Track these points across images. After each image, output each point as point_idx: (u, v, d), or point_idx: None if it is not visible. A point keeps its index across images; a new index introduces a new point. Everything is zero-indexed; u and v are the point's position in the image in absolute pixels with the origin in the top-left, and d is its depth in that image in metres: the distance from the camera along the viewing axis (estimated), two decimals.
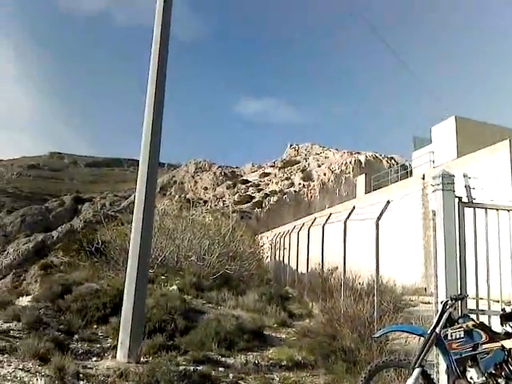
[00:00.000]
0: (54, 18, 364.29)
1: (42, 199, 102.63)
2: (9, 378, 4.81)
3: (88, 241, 15.04)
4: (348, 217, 11.47)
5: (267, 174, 62.72)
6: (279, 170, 62.60)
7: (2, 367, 5.18)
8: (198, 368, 6.50)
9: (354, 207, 12.10)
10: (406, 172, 34.08)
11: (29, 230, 73.58)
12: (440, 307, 4.62)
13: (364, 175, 38.07)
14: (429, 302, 9.95)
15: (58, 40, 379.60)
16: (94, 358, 7.13)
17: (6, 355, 5.86)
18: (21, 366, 5.37)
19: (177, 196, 58.90)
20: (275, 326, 10.65)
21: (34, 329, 7.40)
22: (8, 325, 7.51)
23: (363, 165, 54.68)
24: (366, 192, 33.39)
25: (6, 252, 54.58)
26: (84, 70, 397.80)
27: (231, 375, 6.68)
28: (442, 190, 5.28)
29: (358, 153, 59.01)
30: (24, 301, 9.69)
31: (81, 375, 5.66)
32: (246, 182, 61.15)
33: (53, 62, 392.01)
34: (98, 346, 7.83)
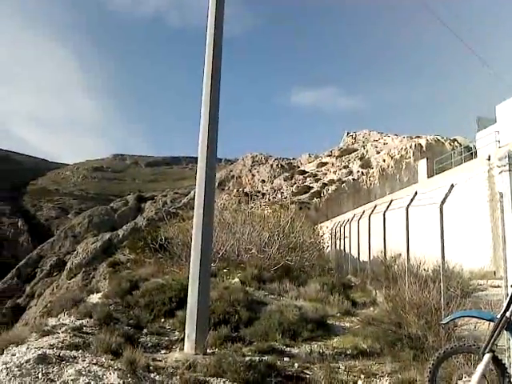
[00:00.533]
0: (112, 25, 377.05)
1: (107, 200, 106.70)
2: (83, 372, 5.04)
3: (152, 238, 15.50)
4: (410, 203, 11.17)
5: (324, 164, 62.11)
6: (336, 158, 61.83)
7: (77, 362, 5.43)
8: (264, 358, 6.56)
9: (415, 192, 11.76)
10: (470, 154, 32.74)
11: (96, 229, 76.79)
12: (510, 290, 4.45)
13: (425, 159, 36.85)
14: (498, 286, 9.54)
15: (117, 47, 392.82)
16: (163, 351, 7.37)
17: (80, 351, 6.14)
18: (94, 361, 5.60)
19: (235, 190, 59.50)
20: (338, 315, 10.59)
21: (105, 324, 7.73)
22: (81, 321, 7.88)
23: (424, 149, 52.98)
24: (429, 176, 32.35)
25: (75, 252, 57.19)
26: (142, 73, 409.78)
27: (296, 365, 6.71)
28: (509, 170, 5.06)
29: (419, 137, 57.22)
30: (95, 298, 10.14)
31: (151, 368, 5.86)
32: (303, 172, 60.87)
33: (113, 68, 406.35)
34: (166, 338, 8.07)
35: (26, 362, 4.90)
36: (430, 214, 10.71)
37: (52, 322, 8.74)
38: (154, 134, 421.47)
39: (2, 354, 6.03)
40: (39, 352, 5.27)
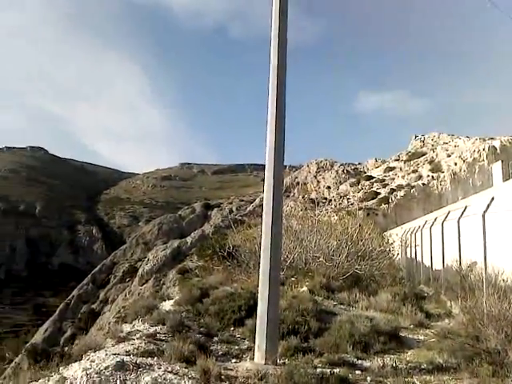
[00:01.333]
0: (176, 39, 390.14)
1: (175, 207, 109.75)
2: (160, 380, 5.16)
3: (220, 246, 15.71)
4: (487, 209, 10.65)
5: (392, 169, 60.55)
6: (405, 163, 60.11)
7: (153, 370, 5.56)
8: (335, 371, 6.44)
9: (492, 198, 11.20)
10: None
11: (165, 237, 78.99)
12: None
13: (500, 162, 35.05)
14: None
15: (182, 60, 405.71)
16: (234, 360, 7.40)
17: (155, 358, 6.29)
18: (169, 369, 5.71)
19: (300, 197, 59.28)
20: (411, 327, 10.22)
21: (177, 332, 7.88)
22: (154, 328, 8.09)
23: (498, 151, 50.46)
24: (504, 180, 30.71)
25: (146, 258, 58.98)
26: (207, 84, 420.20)
27: (369, 378, 6.52)
28: None
29: (492, 138, 54.52)
30: (167, 305, 10.38)
31: (223, 377, 5.89)
32: (370, 177, 59.62)
33: (180, 81, 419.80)
34: (236, 347, 8.11)
35: (105, 369, 5.07)
36: (509, 220, 10.17)
37: (127, 328, 9.03)
38: (220, 142, 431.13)
39: (82, 359, 6.29)
40: (117, 359, 5.45)
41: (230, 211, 67.21)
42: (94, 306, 61.19)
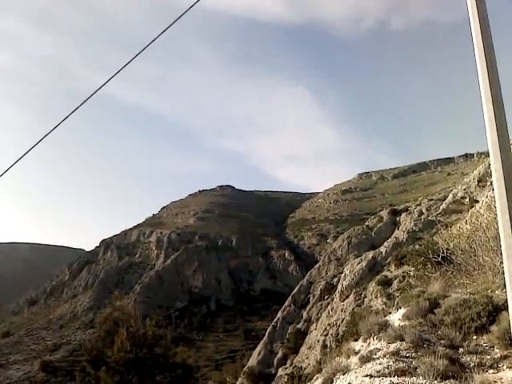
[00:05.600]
0: (337, 49, 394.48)
1: (361, 219, 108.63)
2: None
3: (432, 251, 14.80)
4: None
5: None
6: None
7: None
8: None
9: None
10: None
11: (356, 250, 78.33)
12: None
13: None
14: None
15: (345, 71, 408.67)
16: (491, 371, 6.72)
17: (407, 376, 5.98)
18: None
19: None
20: None
21: (419, 347, 7.45)
22: (394, 345, 7.76)
23: None
24: None
25: (343, 274, 58.92)
26: (376, 89, 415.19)
27: None
28: None
29: None
30: (394, 319, 9.97)
31: None
32: None
33: (345, 94, 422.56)
34: (488, 357, 7.37)
35: None
36: None
37: (358, 347, 8.85)
38: (397, 144, 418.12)
39: (332, 382, 6.26)
40: (387, 381, 5.27)
41: (420, 213, 63.93)
42: (299, 326, 62.79)
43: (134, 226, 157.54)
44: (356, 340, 10.10)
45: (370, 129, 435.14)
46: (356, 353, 8.21)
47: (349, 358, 7.97)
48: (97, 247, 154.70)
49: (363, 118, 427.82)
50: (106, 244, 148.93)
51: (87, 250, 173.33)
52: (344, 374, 6.30)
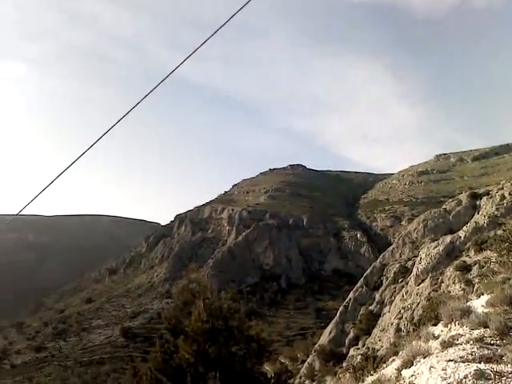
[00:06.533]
0: (415, 30, 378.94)
1: (438, 202, 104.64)
2: None
3: None
4: None
5: None
6: None
7: None
8: None
9: None
10: None
11: (432, 233, 75.64)
12: None
13: None
14: None
15: (425, 48, 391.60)
16: None
17: (493, 363, 5.77)
18: None
19: None
20: None
21: (504, 334, 7.17)
22: (478, 332, 7.51)
23: None
24: None
25: (418, 257, 57.30)
26: (457, 67, 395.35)
27: None
28: None
29: None
30: (477, 306, 9.62)
31: None
32: None
33: (427, 72, 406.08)
34: None
35: (465, 378, 4.81)
36: None
37: (437, 331, 8.65)
38: (478, 124, 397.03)
39: (412, 365, 6.17)
40: (473, 367, 5.13)
41: (502, 197, 60.62)
42: (371, 308, 61.99)
43: (207, 203, 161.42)
44: (435, 325, 9.89)
45: (449, 108, 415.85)
46: (436, 337, 8.04)
47: (428, 342, 7.81)
48: (171, 222, 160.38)
49: (443, 97, 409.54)
50: (180, 219, 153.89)
51: (163, 224, 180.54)
52: (425, 358, 6.18)
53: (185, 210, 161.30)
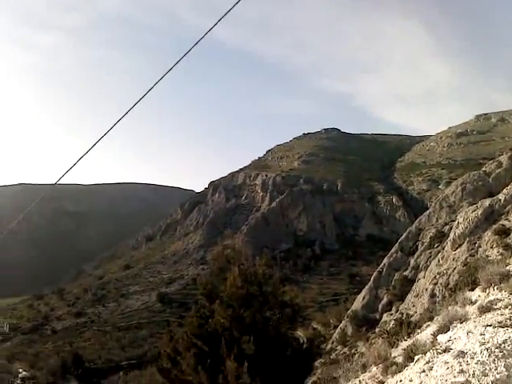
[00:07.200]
0: None
1: (477, 164, 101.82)
2: None
3: None
4: None
5: None
6: None
7: None
8: None
9: None
10: None
11: (471, 197, 73.83)
12: None
13: None
14: None
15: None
16: None
17: None
18: None
19: None
20: None
21: None
22: None
23: None
24: None
25: (456, 222, 56.26)
26: (491, 20, 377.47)
27: None
28: None
29: None
30: None
31: None
32: None
33: (463, 28, 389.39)
34: None
35: (504, 343, 4.68)
36: None
37: (474, 296, 8.47)
38: None
39: (448, 330, 6.06)
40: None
41: None
42: (406, 273, 61.57)
43: (241, 169, 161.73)
44: (472, 290, 9.70)
45: (489, 65, 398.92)
46: (473, 302, 7.88)
47: (465, 307, 7.66)
48: (206, 189, 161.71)
49: (482, 52, 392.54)
50: (214, 186, 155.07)
51: (197, 191, 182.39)
52: (462, 323, 6.05)
53: (219, 177, 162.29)
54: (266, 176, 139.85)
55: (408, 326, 11.30)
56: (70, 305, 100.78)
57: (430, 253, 62.04)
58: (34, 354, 74.03)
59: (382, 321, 51.31)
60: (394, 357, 6.65)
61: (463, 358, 4.47)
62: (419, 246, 67.42)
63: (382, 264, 69.08)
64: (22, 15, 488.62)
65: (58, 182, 9.01)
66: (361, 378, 7.06)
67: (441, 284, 43.87)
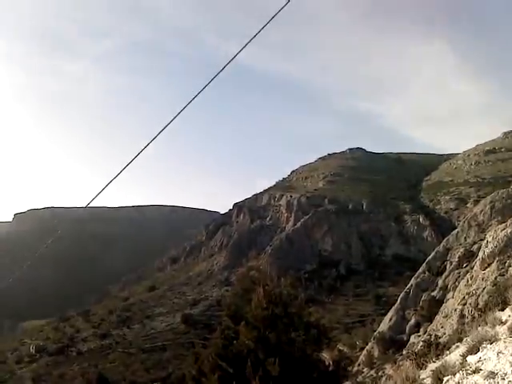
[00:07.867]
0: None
1: (506, 182, 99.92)
2: None
3: None
4: None
5: None
6: None
7: None
8: None
9: None
10: None
11: (500, 215, 72.23)
12: None
13: None
14: None
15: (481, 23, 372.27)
16: None
17: None
18: None
19: None
20: None
21: None
22: None
23: None
24: None
25: (485, 241, 55.12)
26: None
27: None
28: None
29: None
30: None
31: None
32: None
33: (485, 47, 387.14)
34: None
35: None
36: None
37: (504, 316, 8.29)
38: None
39: (478, 351, 5.92)
40: None
41: None
42: (434, 294, 60.29)
43: (265, 190, 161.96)
44: (502, 310, 9.48)
45: None
46: (503, 322, 7.69)
47: (494, 327, 7.48)
48: (230, 210, 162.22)
49: (508, 70, 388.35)
50: (238, 207, 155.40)
51: (222, 212, 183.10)
52: (492, 344, 5.90)
53: (243, 198, 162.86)
54: (291, 197, 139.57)
55: (436, 348, 11.06)
56: (96, 326, 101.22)
57: (459, 273, 60.74)
58: (59, 375, 74.44)
59: (410, 342, 50.15)
60: (423, 379, 6.51)
61: (493, 378, 4.36)
62: (447, 265, 66.06)
63: (409, 284, 67.82)
64: (54, 42, 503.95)
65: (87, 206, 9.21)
66: None
67: (470, 304, 42.82)
